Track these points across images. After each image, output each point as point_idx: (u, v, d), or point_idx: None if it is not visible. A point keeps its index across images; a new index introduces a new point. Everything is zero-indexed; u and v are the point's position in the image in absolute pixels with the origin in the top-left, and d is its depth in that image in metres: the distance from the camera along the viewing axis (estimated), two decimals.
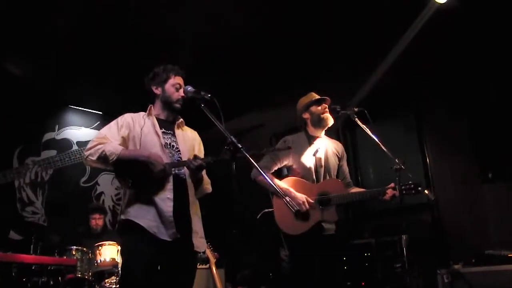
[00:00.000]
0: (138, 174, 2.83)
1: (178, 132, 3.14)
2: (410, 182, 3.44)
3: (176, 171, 2.96)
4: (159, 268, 2.83)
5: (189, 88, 2.88)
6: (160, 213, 2.82)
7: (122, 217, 2.91)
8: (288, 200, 2.27)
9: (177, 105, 3.09)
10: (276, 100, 6.74)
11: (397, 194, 3.44)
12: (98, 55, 5.78)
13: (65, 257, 5.08)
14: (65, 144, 7.09)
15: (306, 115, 3.83)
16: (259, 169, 2.42)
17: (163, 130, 3.06)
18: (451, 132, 5.30)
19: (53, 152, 6.90)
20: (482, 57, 5.02)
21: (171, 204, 2.85)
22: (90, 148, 2.87)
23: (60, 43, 5.54)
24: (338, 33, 5.50)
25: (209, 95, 2.79)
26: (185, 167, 2.97)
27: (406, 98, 5.71)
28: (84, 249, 5.25)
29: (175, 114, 3.15)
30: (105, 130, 3.00)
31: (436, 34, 5.10)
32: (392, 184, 3.50)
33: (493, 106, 5.06)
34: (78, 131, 7.21)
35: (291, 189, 3.54)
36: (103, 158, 2.82)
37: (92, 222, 5.93)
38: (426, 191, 3.48)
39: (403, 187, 3.42)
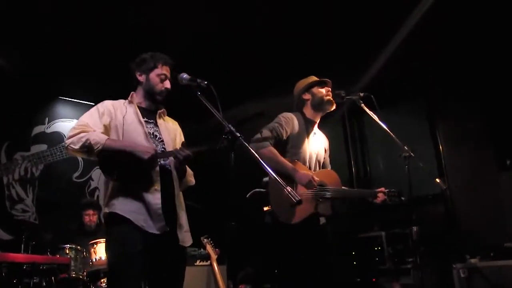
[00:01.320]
0: (124, 165, 2.84)
1: (160, 122, 3.16)
2: (395, 190, 3.58)
3: (162, 162, 2.99)
4: (149, 262, 2.84)
5: (184, 75, 2.85)
6: (147, 206, 2.84)
7: (106, 210, 2.90)
8: (289, 190, 2.27)
9: (159, 98, 3.11)
10: (277, 88, 6.73)
11: (387, 199, 3.54)
12: (90, 42, 5.79)
13: (58, 256, 5.11)
14: (56, 137, 7.09)
15: (307, 96, 3.77)
16: (259, 158, 2.42)
17: (146, 119, 3.08)
18: (464, 117, 5.30)
19: (43, 147, 6.92)
20: (497, 38, 5.01)
21: (159, 195, 2.88)
22: (72, 136, 2.87)
23: (49, 32, 5.55)
24: (343, 15, 5.47)
25: (206, 82, 2.79)
26: (170, 158, 3.01)
27: (416, 83, 5.70)
28: (78, 247, 5.26)
29: (158, 104, 3.18)
30: (86, 117, 3.00)
31: (449, 13, 5.08)
32: (383, 188, 3.58)
33: (510, 89, 5.05)
34: (70, 123, 7.19)
35: (297, 168, 3.47)
36: (87, 147, 2.82)
37: (85, 219, 5.94)
38: (437, 180, 3.49)
39: (390, 193, 3.55)
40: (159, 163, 2.95)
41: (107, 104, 3.07)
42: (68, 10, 5.17)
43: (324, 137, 3.94)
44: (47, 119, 7.15)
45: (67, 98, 7.32)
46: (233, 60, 6.23)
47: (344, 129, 6.58)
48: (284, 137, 3.58)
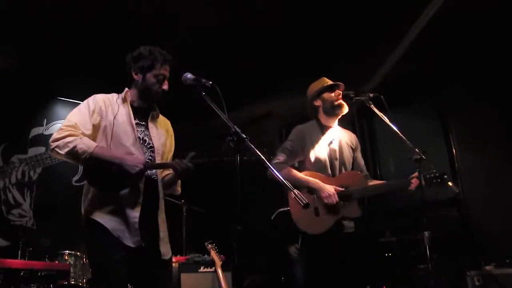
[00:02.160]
0: (110, 177, 2.82)
1: (151, 125, 3.11)
2: (434, 170, 3.47)
3: (148, 172, 2.95)
4: (129, 275, 2.82)
5: (188, 75, 2.83)
6: (126, 218, 2.82)
7: (84, 215, 2.88)
8: (296, 193, 2.30)
9: (155, 99, 3.09)
10: (285, 87, 6.75)
11: (424, 184, 3.47)
12: (89, 41, 5.81)
13: (56, 262, 5.13)
14: None
15: (317, 103, 3.85)
16: (265, 160, 2.45)
17: (137, 121, 3.04)
18: (478, 118, 5.29)
19: (41, 149, 6.93)
20: None
21: (139, 209, 2.85)
22: (58, 140, 2.82)
23: (47, 30, 5.57)
24: (352, 13, 5.45)
25: (210, 82, 2.78)
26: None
27: (428, 82, 5.70)
28: (78, 253, 5.28)
29: (151, 104, 3.14)
30: (75, 116, 2.94)
31: (464, 9, 5.02)
32: (416, 174, 3.52)
33: None
34: None
35: (318, 180, 3.57)
36: (73, 154, 2.79)
37: None
38: (450, 183, 3.49)
39: (428, 176, 3.46)
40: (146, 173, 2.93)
41: (98, 100, 3.02)
42: (67, 8, 5.18)
43: (350, 134, 4.01)
44: (45, 120, 7.17)
45: (66, 99, 7.31)
46: (238, 59, 6.23)
47: (354, 130, 6.59)
48: (300, 151, 3.71)
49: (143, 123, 3.09)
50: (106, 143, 2.91)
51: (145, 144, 3.03)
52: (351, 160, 3.87)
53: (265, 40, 5.92)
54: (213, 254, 5.38)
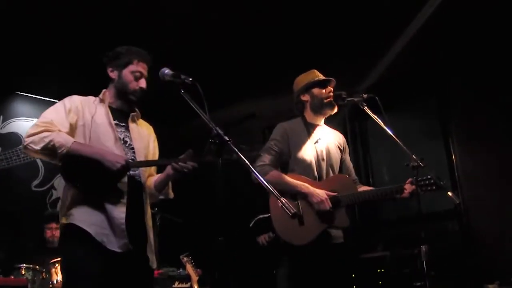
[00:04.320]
0: (89, 174, 2.85)
1: (132, 126, 3.18)
2: (429, 176, 3.46)
3: (131, 173, 3.00)
4: (110, 284, 2.83)
5: (166, 70, 2.86)
6: (110, 219, 2.85)
7: (64, 220, 2.89)
8: (284, 201, 2.30)
9: (132, 97, 3.13)
10: (271, 87, 6.79)
11: (419, 189, 3.48)
12: (52, 32, 5.77)
13: (12, 277, 5.09)
14: (12, 139, 7.00)
15: (305, 97, 3.86)
16: (249, 165, 2.47)
17: (116, 122, 3.10)
18: (481, 120, 5.34)
19: None
20: None
21: (124, 209, 2.89)
22: (33, 135, 2.84)
23: (4, 19, 5.52)
24: (343, 7, 5.46)
25: (190, 79, 2.80)
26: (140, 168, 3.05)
27: (426, 81, 5.76)
28: (37, 267, 5.24)
29: (131, 105, 3.20)
30: (51, 113, 2.99)
31: (463, 6, 5.10)
32: (410, 179, 3.54)
33: None
34: (29, 123, 7.12)
35: (307, 184, 3.57)
36: (49, 149, 2.81)
37: (47, 233, 5.90)
38: (449, 193, 3.45)
39: (422, 182, 3.47)
40: (128, 173, 2.96)
41: (75, 100, 3.07)
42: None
43: (337, 135, 4.02)
44: (1, 117, 7.08)
45: (25, 94, 7.23)
46: (221, 56, 6.25)
47: (345, 133, 6.63)
48: (286, 149, 3.71)
49: (123, 124, 3.14)
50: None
51: (127, 145, 3.08)
52: (339, 162, 3.89)
53: (249, 36, 5.94)
54: (189, 268, 5.36)
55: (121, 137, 3.07)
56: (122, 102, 3.17)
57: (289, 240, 3.49)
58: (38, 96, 7.24)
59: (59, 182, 7.26)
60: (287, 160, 3.75)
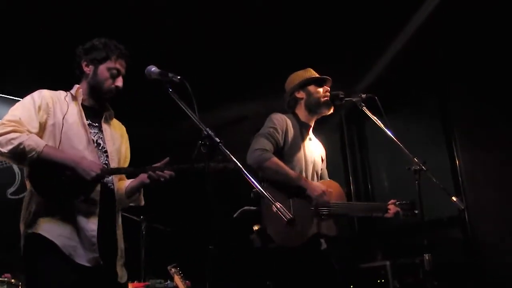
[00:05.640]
0: (60, 182, 2.78)
1: (105, 127, 3.13)
2: (407, 201, 3.74)
3: (104, 180, 2.94)
4: None
5: (153, 68, 2.83)
6: (79, 231, 2.80)
7: (28, 230, 2.81)
8: (279, 206, 2.27)
9: (106, 96, 3.09)
10: (263, 89, 6.78)
11: (400, 212, 3.71)
12: (28, 28, 5.77)
13: None
14: None
15: (300, 94, 3.84)
16: (242, 168, 2.44)
17: (89, 122, 3.04)
18: (485, 121, 5.35)
19: None
20: None
21: (95, 220, 2.85)
22: (0, 135, 2.74)
23: None
24: (341, 5, 5.48)
25: (179, 77, 2.75)
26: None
27: (428, 81, 5.78)
28: (12, 280, 5.21)
29: (104, 103, 3.15)
30: (19, 110, 2.88)
31: (464, 5, 5.14)
32: (393, 200, 3.74)
33: None
34: None
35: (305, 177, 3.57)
36: (18, 153, 2.72)
37: None
38: (454, 198, 3.49)
39: (403, 206, 3.71)
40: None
41: (45, 96, 2.97)
42: None
43: (320, 144, 4.02)
44: None
45: (3, 95, 7.24)
46: (213, 56, 6.25)
47: (342, 136, 6.67)
48: (281, 143, 3.65)
49: (96, 124, 3.09)
50: (54, 146, 2.88)
51: (100, 148, 3.04)
52: (319, 171, 3.89)
53: (242, 34, 5.97)
54: (177, 279, 5.35)
55: (94, 139, 3.02)
56: (95, 100, 3.10)
57: (283, 244, 3.41)
58: (11, 96, 7.17)
59: None
60: (281, 152, 3.66)
